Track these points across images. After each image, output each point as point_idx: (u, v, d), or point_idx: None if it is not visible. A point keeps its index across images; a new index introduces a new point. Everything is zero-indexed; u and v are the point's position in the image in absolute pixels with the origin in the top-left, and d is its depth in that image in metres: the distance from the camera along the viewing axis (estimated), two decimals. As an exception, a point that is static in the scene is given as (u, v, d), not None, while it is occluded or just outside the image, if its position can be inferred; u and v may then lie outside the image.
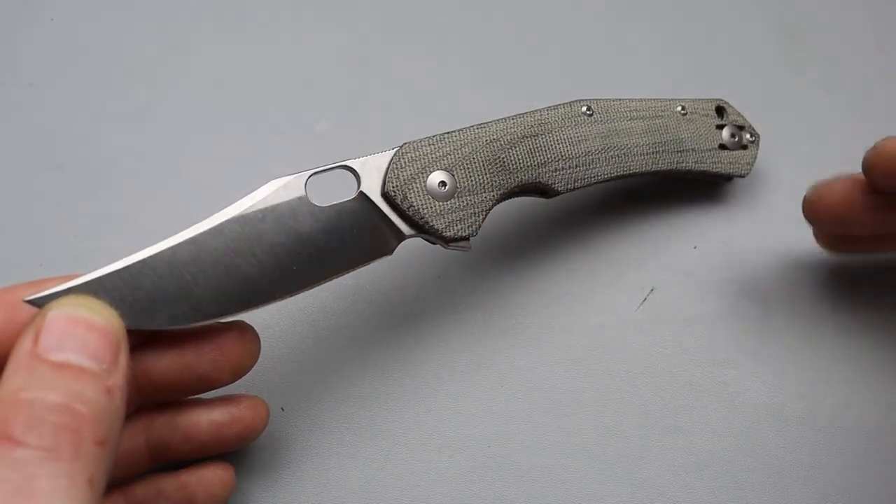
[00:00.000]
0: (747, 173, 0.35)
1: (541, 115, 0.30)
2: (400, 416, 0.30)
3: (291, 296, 0.25)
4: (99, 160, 0.36)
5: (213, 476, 0.26)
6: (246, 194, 0.24)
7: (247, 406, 0.26)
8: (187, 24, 0.41)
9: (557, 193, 0.30)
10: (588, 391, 0.31)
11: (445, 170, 0.27)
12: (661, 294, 0.33)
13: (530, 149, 0.29)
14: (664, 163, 0.32)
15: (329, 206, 0.25)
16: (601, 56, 0.41)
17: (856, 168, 0.28)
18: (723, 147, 0.34)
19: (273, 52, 0.40)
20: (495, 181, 0.28)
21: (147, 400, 0.25)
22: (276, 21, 0.41)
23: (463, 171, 0.28)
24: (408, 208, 0.26)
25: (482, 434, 0.30)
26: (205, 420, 0.26)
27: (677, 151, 0.33)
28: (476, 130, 0.28)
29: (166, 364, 0.24)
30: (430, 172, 0.27)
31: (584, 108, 0.31)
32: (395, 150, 0.27)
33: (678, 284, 0.34)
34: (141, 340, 0.24)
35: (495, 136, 0.28)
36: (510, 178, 0.29)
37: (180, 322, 0.23)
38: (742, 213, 0.36)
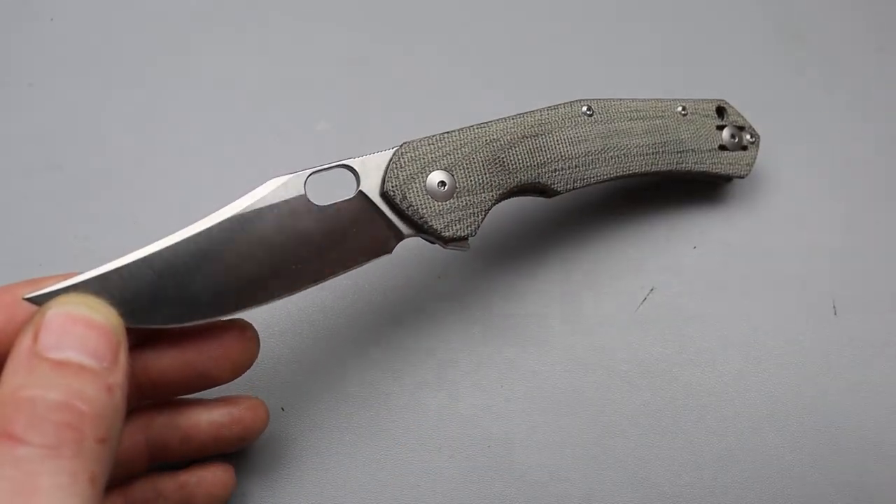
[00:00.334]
0: (747, 174, 0.35)
1: (541, 115, 0.30)
2: (400, 416, 0.30)
3: (291, 294, 0.25)
4: (99, 160, 0.36)
5: (212, 476, 0.26)
6: (246, 194, 0.24)
7: (246, 407, 0.26)
8: (187, 24, 0.41)
9: (557, 193, 0.30)
10: (588, 391, 0.31)
11: (445, 169, 0.27)
12: (661, 294, 0.33)
13: (530, 149, 0.29)
14: (664, 163, 0.32)
15: (328, 206, 0.25)
16: (601, 56, 0.41)
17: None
18: (723, 148, 0.34)
19: (273, 53, 0.40)
20: (495, 181, 0.28)
21: (147, 398, 0.25)
22: (277, 21, 0.41)
23: (462, 171, 0.28)
24: (407, 208, 0.26)
25: (482, 434, 0.30)
26: (204, 420, 0.26)
27: (677, 152, 0.33)
28: (476, 130, 0.28)
29: (166, 362, 0.24)
30: (430, 172, 0.27)
31: (585, 109, 0.31)
32: (395, 149, 0.27)
33: (678, 284, 0.34)
34: (140, 339, 0.24)
35: (495, 136, 0.28)
36: (510, 178, 0.28)
37: (179, 320, 0.23)
38: (742, 213, 0.36)
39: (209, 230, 0.23)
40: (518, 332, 0.32)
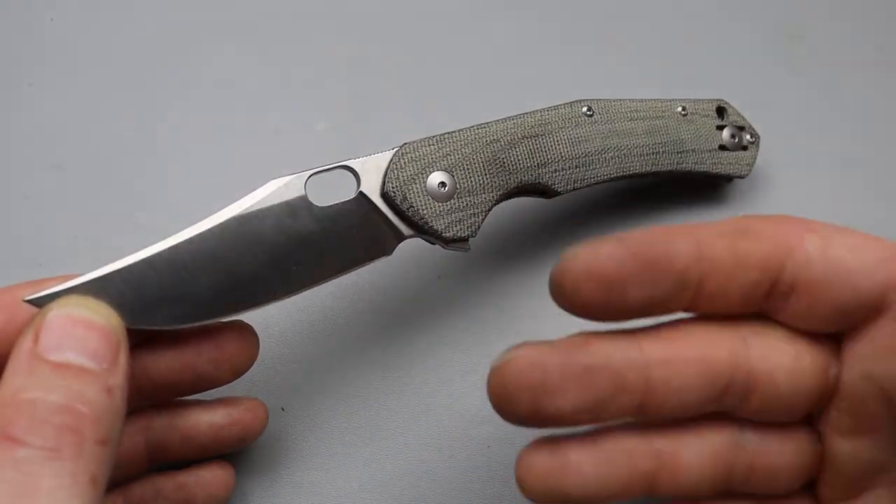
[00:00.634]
0: (747, 174, 0.35)
1: (541, 115, 0.30)
2: (400, 416, 0.30)
3: (291, 296, 0.25)
4: (99, 160, 0.36)
5: (212, 476, 0.26)
6: (246, 194, 0.24)
7: (246, 408, 0.26)
8: (188, 24, 0.41)
9: (557, 194, 0.30)
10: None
11: (445, 170, 0.27)
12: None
13: (530, 149, 0.29)
14: (664, 163, 0.32)
15: (329, 206, 0.25)
16: (601, 56, 0.41)
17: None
18: (723, 148, 0.34)
19: (273, 53, 0.40)
20: (495, 182, 0.28)
21: (146, 399, 0.25)
22: (277, 21, 0.41)
23: (463, 172, 0.28)
24: (407, 209, 0.26)
25: (482, 434, 0.30)
26: (204, 422, 0.26)
27: (678, 152, 0.33)
28: (476, 131, 0.28)
29: (165, 363, 0.24)
30: (430, 173, 0.27)
31: (585, 109, 0.31)
32: (395, 150, 0.27)
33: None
34: (140, 340, 0.24)
35: (495, 137, 0.28)
36: (510, 178, 0.29)
37: (180, 322, 0.23)
38: (742, 213, 0.36)
39: (210, 231, 0.23)
40: (518, 332, 0.32)
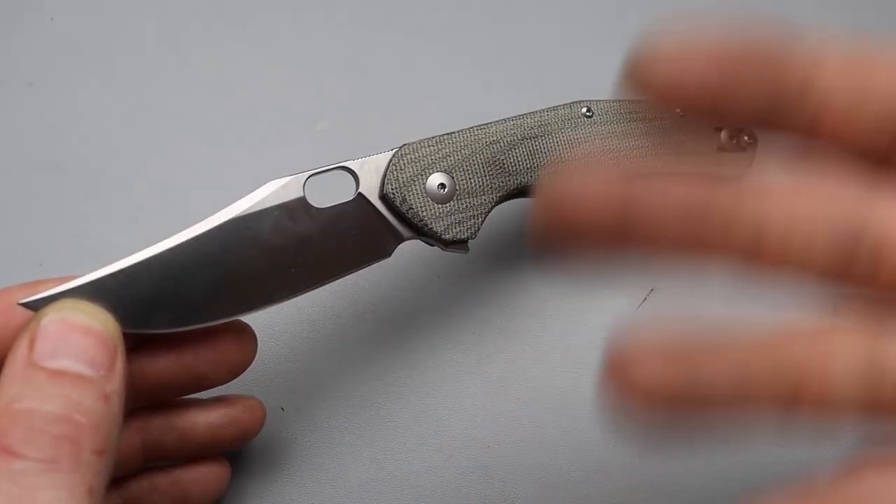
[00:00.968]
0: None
1: (540, 116, 0.30)
2: (400, 416, 0.30)
3: (290, 298, 0.24)
4: (99, 160, 0.36)
5: (207, 471, 0.26)
6: (245, 194, 0.24)
7: (244, 408, 0.26)
8: (187, 24, 0.41)
9: (557, 194, 0.30)
10: (588, 391, 0.31)
11: (445, 171, 0.27)
12: (661, 294, 0.33)
13: (530, 150, 0.29)
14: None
15: (327, 208, 0.25)
16: (601, 56, 0.41)
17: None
18: (721, 149, 0.34)
19: (273, 52, 0.40)
20: (495, 183, 0.28)
21: (143, 401, 0.25)
22: (277, 21, 0.41)
23: (462, 173, 0.28)
24: (407, 210, 0.26)
25: (482, 434, 0.30)
26: (201, 422, 0.26)
27: (676, 153, 0.33)
28: (476, 132, 0.28)
29: (162, 365, 0.24)
30: (430, 174, 0.27)
31: (584, 110, 0.31)
32: (394, 151, 0.27)
33: (678, 285, 0.34)
34: (136, 341, 0.24)
35: (495, 138, 0.28)
36: (510, 179, 0.28)
37: (177, 325, 0.23)
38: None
39: (207, 233, 0.23)
40: (518, 332, 0.32)
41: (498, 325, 0.32)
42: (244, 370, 0.25)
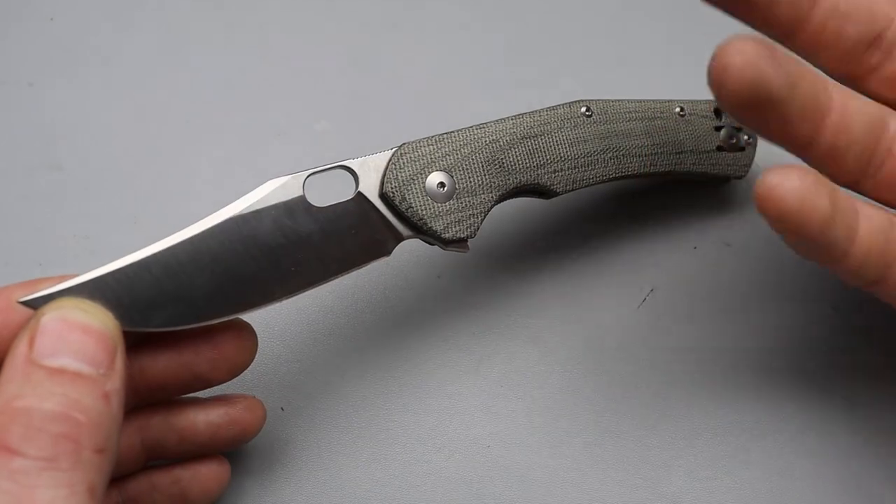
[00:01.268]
0: (745, 175, 0.35)
1: (540, 115, 0.30)
2: (400, 416, 0.30)
3: (290, 297, 0.24)
4: (99, 160, 0.36)
5: (207, 471, 0.26)
6: (245, 194, 0.24)
7: (244, 407, 0.26)
8: (187, 23, 0.41)
9: (557, 194, 0.30)
10: (588, 391, 0.31)
11: (444, 170, 0.27)
12: (661, 294, 0.33)
13: (529, 150, 0.29)
14: (663, 164, 0.32)
15: (327, 207, 0.25)
16: (601, 56, 0.41)
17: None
18: (720, 148, 0.34)
19: (273, 52, 0.40)
20: (494, 182, 0.28)
21: (143, 400, 0.25)
22: (276, 21, 0.41)
23: (462, 172, 0.28)
24: (406, 209, 0.26)
25: (482, 434, 0.30)
26: (201, 421, 0.26)
27: (676, 153, 0.33)
28: (475, 131, 0.28)
29: (162, 364, 0.24)
30: (429, 173, 0.27)
31: (584, 109, 0.31)
32: (394, 150, 0.27)
33: (678, 284, 0.34)
34: (136, 340, 0.24)
35: (494, 137, 0.28)
36: (509, 178, 0.29)
37: (177, 324, 0.23)
38: (741, 213, 0.36)
39: (207, 232, 0.23)
40: (518, 332, 0.32)
41: (498, 326, 0.32)
42: (244, 369, 0.25)
